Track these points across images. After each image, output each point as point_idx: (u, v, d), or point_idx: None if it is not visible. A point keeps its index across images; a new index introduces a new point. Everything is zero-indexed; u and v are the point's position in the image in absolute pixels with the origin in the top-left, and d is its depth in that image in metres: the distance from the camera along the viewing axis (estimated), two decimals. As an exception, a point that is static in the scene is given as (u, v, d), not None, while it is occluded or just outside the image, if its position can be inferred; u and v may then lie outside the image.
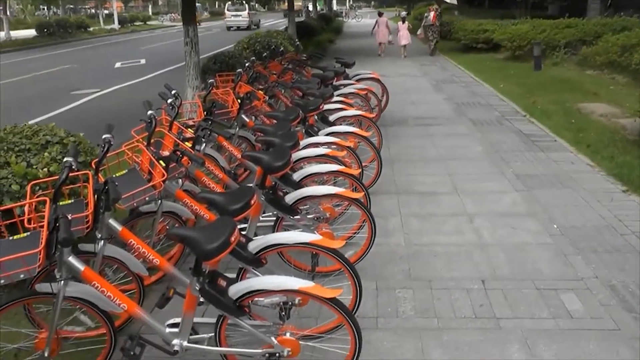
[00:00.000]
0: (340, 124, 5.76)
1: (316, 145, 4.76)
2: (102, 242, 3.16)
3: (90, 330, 3.16)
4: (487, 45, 17.96)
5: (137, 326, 3.41)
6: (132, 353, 2.68)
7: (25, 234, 2.66)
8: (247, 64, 6.81)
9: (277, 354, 2.75)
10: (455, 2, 24.10)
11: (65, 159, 2.64)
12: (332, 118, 5.81)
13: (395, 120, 8.89)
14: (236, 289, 2.66)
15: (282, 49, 10.02)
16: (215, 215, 3.44)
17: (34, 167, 3.56)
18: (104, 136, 3.08)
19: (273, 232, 3.90)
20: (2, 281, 2.42)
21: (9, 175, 3.49)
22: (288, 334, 2.79)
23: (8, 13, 35.59)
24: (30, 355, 3.04)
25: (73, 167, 2.65)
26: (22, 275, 2.43)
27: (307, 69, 8.68)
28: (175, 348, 2.80)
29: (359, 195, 3.88)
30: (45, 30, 32.33)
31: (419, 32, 19.69)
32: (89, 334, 3.21)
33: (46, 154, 3.67)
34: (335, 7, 52.75)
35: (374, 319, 3.58)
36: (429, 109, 9.76)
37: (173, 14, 58.53)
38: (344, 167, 4.28)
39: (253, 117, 5.61)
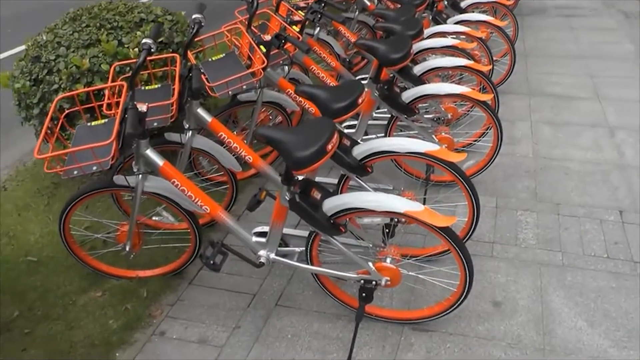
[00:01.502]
0: (472, 11, 4.97)
1: (443, 35, 4.09)
2: (190, 132, 2.84)
3: (175, 224, 2.95)
4: None
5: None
6: (212, 262, 2.40)
7: (103, 121, 2.37)
8: None
9: (374, 282, 2.37)
10: None
11: (143, 41, 2.25)
12: (463, 4, 5.02)
13: (532, 8, 7.73)
14: (332, 204, 2.25)
15: None
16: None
17: (126, 46, 3.24)
18: (193, 16, 2.66)
19: (386, 132, 3.42)
20: (76, 172, 2.17)
21: (100, 54, 3.19)
22: (388, 260, 2.38)
23: None
24: (111, 247, 2.91)
25: (152, 49, 2.26)
26: (94, 168, 2.15)
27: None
28: (261, 260, 2.50)
29: (487, 97, 3.25)
30: None
31: None
32: (175, 227, 3.00)
33: (139, 32, 3.31)
34: None
35: (490, 245, 3.09)
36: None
37: None
38: (472, 61, 3.61)
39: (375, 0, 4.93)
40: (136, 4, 3.69)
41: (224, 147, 2.93)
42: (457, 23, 4.52)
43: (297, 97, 3.38)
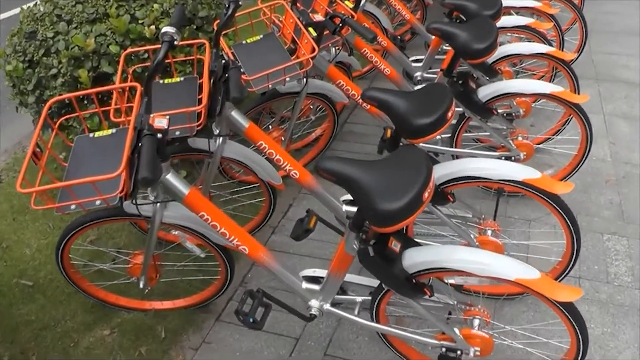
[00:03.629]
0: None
1: (510, 10, 3.47)
2: (221, 139, 2.28)
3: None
4: None
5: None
6: (251, 320, 1.87)
7: (110, 131, 1.79)
8: None
9: (459, 352, 1.84)
10: None
11: (163, 30, 1.64)
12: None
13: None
14: (416, 259, 1.69)
15: None
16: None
17: (140, 22, 2.61)
18: (229, -12, 2.03)
19: (453, 135, 2.85)
20: (73, 207, 1.60)
21: (108, 32, 2.57)
22: (476, 324, 1.85)
23: None
24: (121, 278, 2.39)
25: (175, 40, 1.66)
26: (97, 203, 1.60)
27: None
28: (313, 311, 1.97)
29: (583, 99, 2.64)
30: None
31: None
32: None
33: (156, 5, 2.66)
34: None
35: (576, 280, 2.56)
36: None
37: None
38: (553, 48, 2.99)
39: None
40: (152, -33, 3.05)
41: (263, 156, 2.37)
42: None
43: (348, 87, 2.79)
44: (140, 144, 1.56)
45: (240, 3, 2.03)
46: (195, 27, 2.80)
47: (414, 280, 1.71)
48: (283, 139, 2.99)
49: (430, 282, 1.77)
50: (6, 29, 3.10)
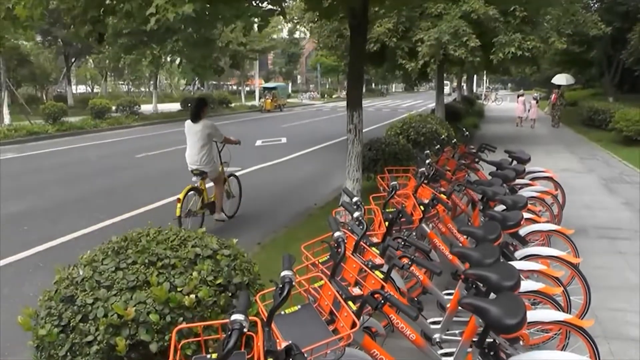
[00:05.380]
0: (533, 242, 4.64)
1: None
2: None
3: None
4: (657, 138, 15.96)
5: None
6: None
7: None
8: (427, 161, 5.68)
9: None
10: (565, 82, 28.03)
11: (232, 317, 1.73)
12: (522, 232, 4.67)
13: (571, 227, 7.47)
14: None
15: (443, 138, 8.88)
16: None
17: (179, 289, 2.73)
18: (283, 273, 2.15)
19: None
20: None
21: (147, 300, 2.68)
22: None
23: (157, 88, 38.38)
24: None
25: (244, 329, 1.74)
26: None
27: (475, 164, 7.56)
28: None
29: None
30: (189, 104, 34.08)
31: (545, 110, 26.17)
32: None
33: (194, 273, 2.82)
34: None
35: None
36: (609, 217, 8.24)
37: (312, 92, 60.37)
38: (570, 316, 3.12)
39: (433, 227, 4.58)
40: (189, 233, 3.28)
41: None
42: (525, 258, 4.14)
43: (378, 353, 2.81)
44: None
45: (294, 282, 2.15)
46: (230, 294, 2.91)
47: None
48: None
49: None
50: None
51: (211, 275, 2.85)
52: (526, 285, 3.49)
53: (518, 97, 26.04)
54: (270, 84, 38.32)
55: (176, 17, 4.30)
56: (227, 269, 3.01)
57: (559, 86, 27.03)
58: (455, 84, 36.73)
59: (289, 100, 50.69)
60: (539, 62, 19.21)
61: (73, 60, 36.26)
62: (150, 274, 2.81)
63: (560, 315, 3.10)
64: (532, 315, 3.13)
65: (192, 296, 2.69)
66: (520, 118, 25.41)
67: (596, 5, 24.74)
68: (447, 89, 42.79)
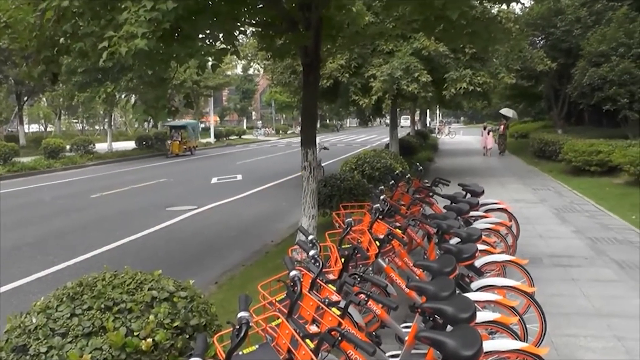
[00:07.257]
0: (488, 273, 4.74)
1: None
2: None
3: None
4: (602, 168, 16.55)
5: None
6: None
7: None
8: (381, 197, 5.75)
9: None
10: (511, 116, 29.42)
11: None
12: (477, 263, 4.78)
13: (526, 257, 7.67)
14: None
15: (397, 173, 9.00)
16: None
17: (135, 333, 2.69)
18: (239, 315, 2.17)
19: None
20: None
21: (104, 346, 2.63)
22: None
23: (112, 126, 37.81)
24: None
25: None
26: None
27: (430, 198, 7.70)
28: None
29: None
30: (144, 142, 33.65)
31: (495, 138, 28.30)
32: None
33: (151, 317, 2.79)
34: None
35: None
36: (561, 245, 8.49)
37: (267, 129, 60.63)
38: (527, 344, 3.19)
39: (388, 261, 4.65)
40: (145, 276, 3.24)
41: None
42: (481, 289, 4.23)
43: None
44: None
45: (250, 323, 2.16)
46: (187, 336, 2.88)
47: None
48: None
49: None
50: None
51: (168, 318, 2.83)
52: (483, 315, 3.55)
53: (484, 128, 27.83)
54: (178, 122, 32.78)
55: (128, 52, 4.28)
56: (184, 311, 2.98)
57: (506, 118, 28.81)
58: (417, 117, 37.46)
59: (244, 136, 50.53)
60: (490, 96, 19.85)
61: (25, 99, 35.51)
62: (107, 319, 2.76)
63: (517, 344, 3.17)
64: (489, 345, 3.19)
65: (149, 340, 2.66)
66: (485, 148, 27.20)
67: (542, 42, 25.73)
68: (407, 122, 43.60)
